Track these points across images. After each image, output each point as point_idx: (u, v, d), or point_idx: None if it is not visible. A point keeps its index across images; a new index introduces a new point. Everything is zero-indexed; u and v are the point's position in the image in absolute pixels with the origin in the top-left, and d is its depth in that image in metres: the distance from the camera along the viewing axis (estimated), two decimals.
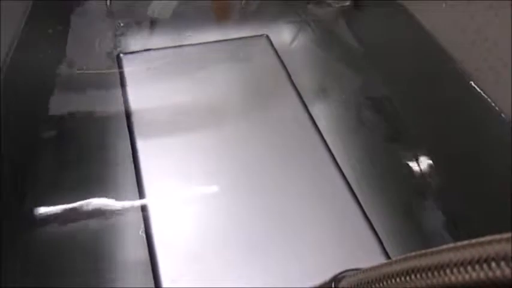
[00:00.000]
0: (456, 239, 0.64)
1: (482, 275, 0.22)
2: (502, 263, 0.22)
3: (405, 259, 0.28)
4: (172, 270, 0.64)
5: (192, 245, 0.67)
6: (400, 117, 0.88)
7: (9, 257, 0.65)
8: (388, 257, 0.65)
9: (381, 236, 0.67)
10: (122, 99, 0.91)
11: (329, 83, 0.98)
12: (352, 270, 0.36)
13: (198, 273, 0.64)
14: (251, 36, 1.08)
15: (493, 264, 0.22)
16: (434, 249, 0.26)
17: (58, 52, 1.02)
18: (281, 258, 0.65)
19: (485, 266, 0.22)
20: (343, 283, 0.36)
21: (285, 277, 0.63)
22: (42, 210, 0.71)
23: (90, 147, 0.82)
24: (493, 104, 0.76)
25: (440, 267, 0.25)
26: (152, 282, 0.63)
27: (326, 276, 0.39)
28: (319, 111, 0.89)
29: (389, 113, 0.89)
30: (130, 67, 0.99)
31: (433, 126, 0.84)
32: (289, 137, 0.84)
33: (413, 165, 0.79)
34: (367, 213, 0.71)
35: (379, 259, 0.64)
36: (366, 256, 0.65)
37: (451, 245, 0.25)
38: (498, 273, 0.22)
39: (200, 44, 1.05)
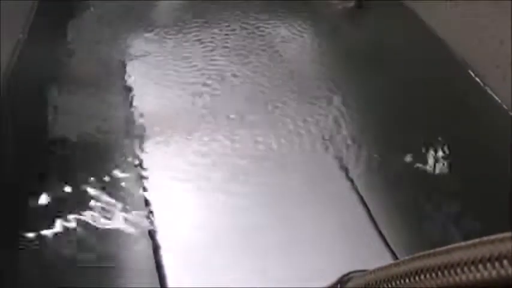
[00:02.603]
0: (465, 238, 0.63)
1: (494, 273, 0.22)
2: None
3: (413, 259, 0.27)
4: (177, 271, 0.64)
5: (197, 248, 0.68)
6: (407, 116, 0.87)
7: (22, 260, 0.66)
8: (395, 257, 0.64)
9: (386, 237, 0.67)
10: (127, 103, 0.92)
11: (333, 82, 0.97)
12: (359, 271, 0.36)
13: (203, 275, 0.64)
14: (256, 40, 1.08)
15: (505, 262, 0.21)
16: (443, 248, 0.26)
17: (61, 54, 1.02)
18: (287, 260, 0.65)
19: (497, 264, 0.22)
20: (350, 284, 0.36)
21: (291, 278, 0.63)
22: (47, 213, 0.72)
23: (95, 151, 0.83)
24: (499, 102, 0.75)
25: (450, 267, 0.24)
26: (158, 282, 0.63)
27: (332, 277, 0.39)
28: (324, 111, 0.89)
29: (394, 112, 0.88)
30: (135, 71, 0.99)
31: (441, 125, 0.83)
32: (296, 141, 0.84)
33: (419, 166, 0.78)
34: (373, 214, 0.70)
35: (385, 260, 0.63)
36: (372, 257, 0.64)
37: (461, 243, 0.25)
38: (510, 271, 0.21)
39: (204, 46, 1.05)
